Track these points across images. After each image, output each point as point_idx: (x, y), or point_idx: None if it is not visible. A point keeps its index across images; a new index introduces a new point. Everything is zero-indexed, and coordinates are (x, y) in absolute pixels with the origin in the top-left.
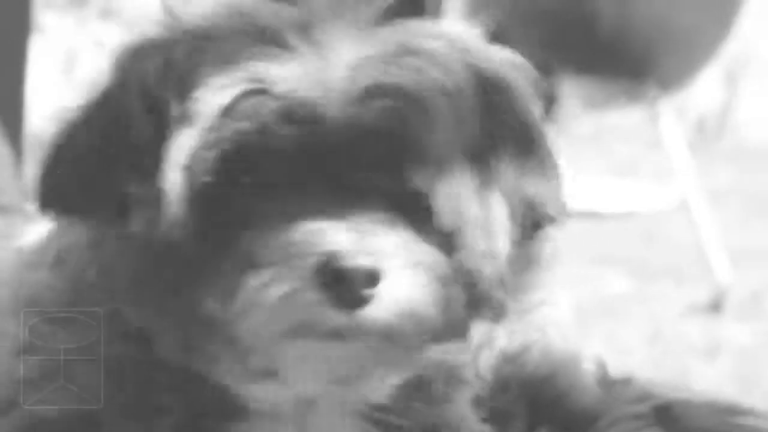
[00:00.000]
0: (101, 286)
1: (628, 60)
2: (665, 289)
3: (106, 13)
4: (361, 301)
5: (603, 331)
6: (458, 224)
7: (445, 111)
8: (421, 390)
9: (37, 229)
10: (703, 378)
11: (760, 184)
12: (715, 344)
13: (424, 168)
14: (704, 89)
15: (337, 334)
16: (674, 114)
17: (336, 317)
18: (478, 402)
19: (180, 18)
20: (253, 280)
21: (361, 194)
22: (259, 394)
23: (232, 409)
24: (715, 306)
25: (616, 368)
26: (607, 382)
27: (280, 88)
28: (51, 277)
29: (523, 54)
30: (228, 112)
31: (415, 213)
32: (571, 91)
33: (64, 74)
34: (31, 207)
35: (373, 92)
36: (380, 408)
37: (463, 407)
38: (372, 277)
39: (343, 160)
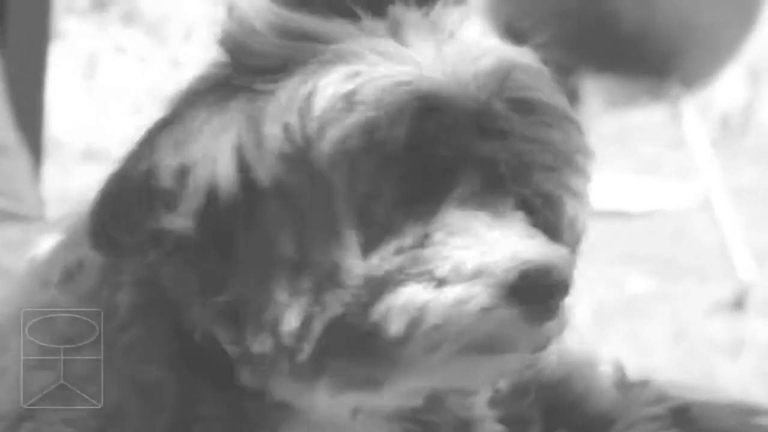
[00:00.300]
0: (148, 307)
1: (651, 58)
2: (689, 288)
3: (128, 18)
4: (551, 315)
5: (627, 329)
6: (578, 231)
7: (568, 114)
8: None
9: (51, 240)
10: (727, 376)
11: None
12: (738, 342)
13: (558, 172)
14: (727, 87)
15: (513, 347)
16: (697, 112)
17: (525, 332)
18: (494, 403)
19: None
20: (431, 295)
21: (504, 201)
22: (316, 403)
23: (274, 418)
24: (739, 304)
25: (640, 367)
26: (624, 385)
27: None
28: (61, 295)
29: (543, 53)
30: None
31: (541, 220)
32: (594, 89)
33: (85, 79)
34: (48, 216)
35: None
36: (416, 407)
37: (483, 406)
38: (562, 290)
39: (483, 166)
